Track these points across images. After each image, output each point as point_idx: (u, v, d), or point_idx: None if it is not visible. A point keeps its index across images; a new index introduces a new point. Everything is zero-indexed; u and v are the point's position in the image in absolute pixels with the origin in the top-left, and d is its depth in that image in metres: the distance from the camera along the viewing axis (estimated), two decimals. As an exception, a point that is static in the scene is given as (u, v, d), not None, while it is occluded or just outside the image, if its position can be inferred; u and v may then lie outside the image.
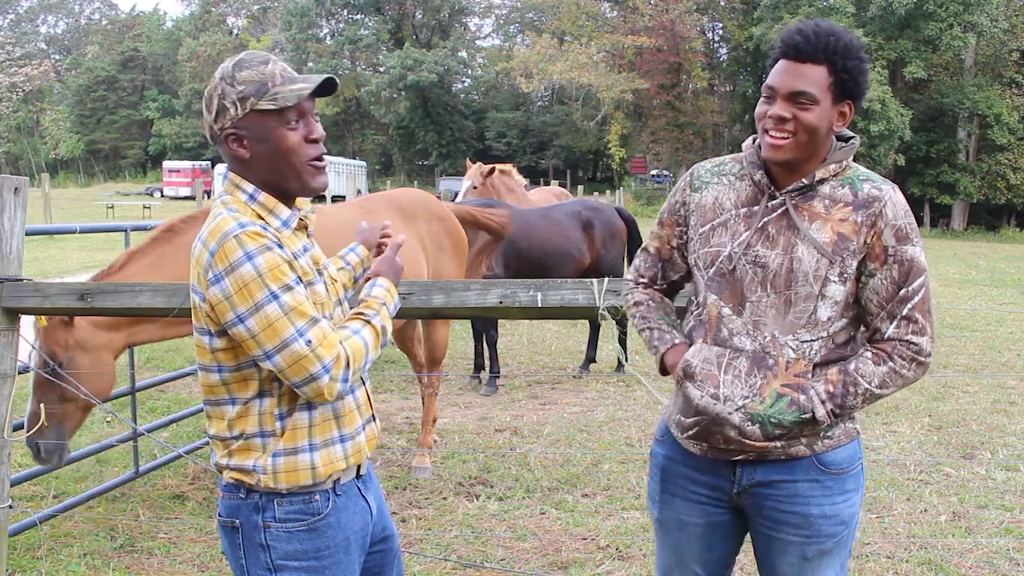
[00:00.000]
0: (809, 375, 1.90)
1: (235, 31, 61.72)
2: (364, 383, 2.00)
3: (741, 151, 2.07)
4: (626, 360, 7.28)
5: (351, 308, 2.00)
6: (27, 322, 3.31)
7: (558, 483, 4.70)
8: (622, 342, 7.46)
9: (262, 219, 1.81)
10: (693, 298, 2.09)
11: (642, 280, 2.21)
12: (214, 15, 61.41)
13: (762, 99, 1.94)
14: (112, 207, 31.64)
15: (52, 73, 64.56)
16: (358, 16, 54.24)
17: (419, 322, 5.25)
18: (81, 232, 4.56)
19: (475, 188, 8.68)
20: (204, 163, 46.04)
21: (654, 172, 50.14)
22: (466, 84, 56.55)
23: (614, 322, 2.72)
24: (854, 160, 2.02)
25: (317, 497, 1.85)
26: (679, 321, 2.15)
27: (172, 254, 3.74)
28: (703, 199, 2.05)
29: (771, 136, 1.90)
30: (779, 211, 1.93)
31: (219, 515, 1.90)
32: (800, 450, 1.96)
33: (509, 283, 2.81)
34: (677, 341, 2.07)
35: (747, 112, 39.45)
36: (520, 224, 6.82)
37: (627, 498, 4.47)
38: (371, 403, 2.02)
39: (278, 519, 1.82)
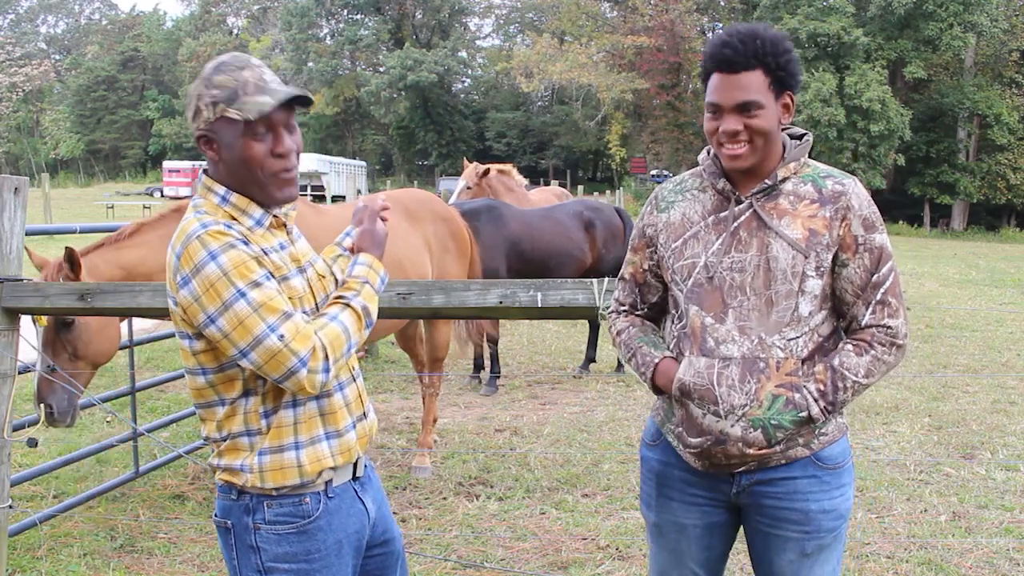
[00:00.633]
0: (800, 372, 1.92)
1: (235, 31, 61.75)
2: (355, 380, 1.97)
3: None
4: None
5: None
6: (26, 322, 3.31)
7: (558, 483, 4.70)
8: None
9: (235, 220, 1.80)
10: (672, 312, 2.08)
11: (623, 308, 2.22)
12: (214, 15, 61.44)
13: (708, 116, 1.97)
14: (112, 207, 31.67)
15: (52, 73, 64.58)
16: (358, 16, 54.24)
17: (421, 322, 5.25)
18: (81, 232, 4.57)
19: (469, 188, 8.67)
20: (204, 163, 46.02)
21: (654, 172, 50.13)
22: (466, 84, 56.57)
23: (614, 322, 2.71)
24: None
25: (307, 499, 1.84)
26: (663, 339, 2.13)
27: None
28: (671, 218, 2.07)
29: (728, 148, 1.94)
30: (747, 214, 1.97)
31: (215, 515, 1.91)
32: (799, 451, 1.97)
33: (509, 283, 2.80)
34: (658, 359, 2.05)
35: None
36: (523, 225, 6.83)
37: (627, 498, 4.47)
38: (363, 400, 1.99)
39: (268, 521, 1.82)
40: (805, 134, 2.05)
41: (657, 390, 2.07)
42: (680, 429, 2.03)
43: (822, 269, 1.92)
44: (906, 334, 1.96)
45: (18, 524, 3.73)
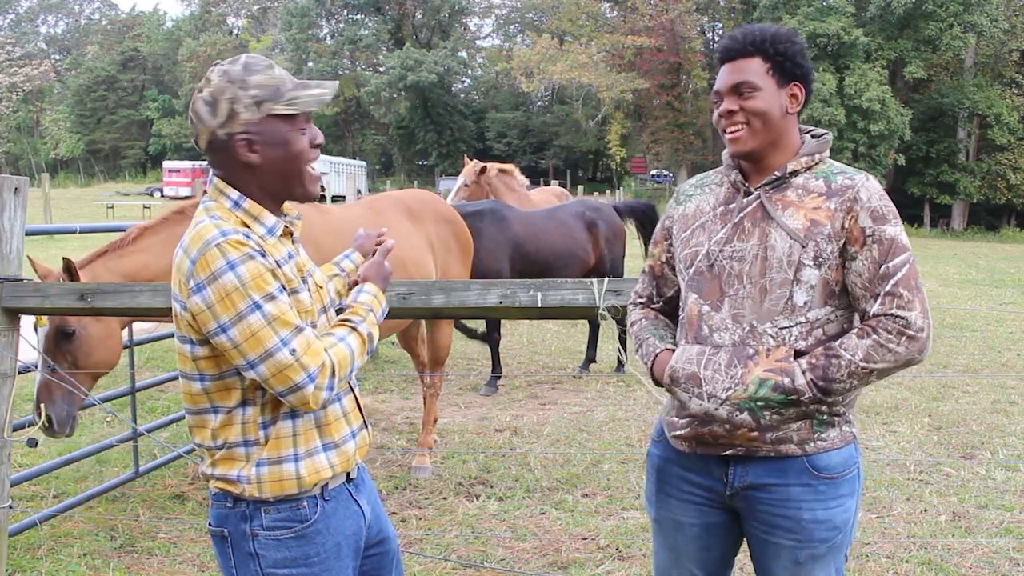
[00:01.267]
0: (791, 359, 1.89)
1: (235, 31, 61.74)
2: (352, 390, 1.98)
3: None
4: (626, 360, 7.28)
5: (337, 314, 1.98)
6: (26, 323, 3.31)
7: (558, 483, 4.70)
8: (622, 342, 7.44)
9: (247, 226, 1.79)
10: (681, 303, 2.11)
11: (640, 300, 2.26)
12: (214, 15, 61.44)
13: (714, 106, 2.04)
14: (112, 207, 31.67)
15: (52, 73, 64.57)
16: (358, 16, 54.26)
17: (423, 322, 5.25)
18: (81, 232, 4.57)
19: (467, 186, 8.66)
20: (204, 163, 45.96)
21: (654, 172, 50.16)
22: (466, 84, 56.57)
23: (614, 322, 2.71)
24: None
25: (305, 504, 1.83)
26: (673, 333, 2.16)
27: (180, 236, 3.76)
28: (686, 210, 2.12)
29: (728, 132, 2.00)
30: (753, 205, 1.98)
31: (209, 524, 1.89)
32: (791, 448, 1.94)
33: (509, 283, 2.80)
34: (660, 350, 2.09)
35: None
36: (527, 227, 6.83)
37: (627, 498, 4.47)
38: (361, 411, 2.00)
39: (266, 527, 1.81)
40: (825, 133, 2.04)
41: (657, 381, 2.10)
42: (672, 416, 2.07)
43: (821, 259, 1.89)
44: (922, 328, 1.84)
45: (18, 524, 3.73)
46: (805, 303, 1.91)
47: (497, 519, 4.22)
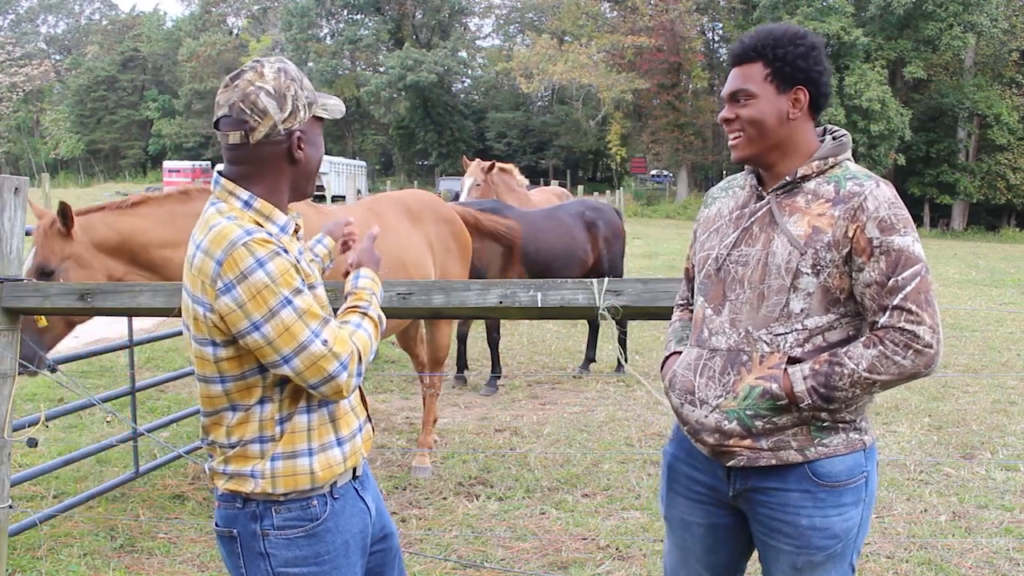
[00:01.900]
0: (783, 367, 1.88)
1: (235, 31, 61.67)
2: (359, 385, 1.99)
3: None
4: (626, 360, 7.28)
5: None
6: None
7: (558, 483, 4.70)
8: (622, 342, 7.46)
9: (260, 225, 1.81)
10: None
11: (680, 303, 2.29)
12: (214, 15, 61.38)
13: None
14: (112, 207, 31.55)
15: (52, 73, 64.52)
16: (358, 16, 54.22)
17: (422, 322, 5.25)
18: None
19: (478, 185, 8.66)
20: (204, 163, 46.01)
21: (654, 172, 50.13)
22: (466, 84, 56.54)
23: (614, 322, 2.72)
24: (855, 160, 2.02)
25: (315, 502, 1.84)
26: None
27: (182, 215, 3.85)
28: (709, 213, 2.14)
29: (729, 139, 2.01)
30: (764, 209, 1.97)
31: (216, 524, 1.89)
32: (791, 455, 1.91)
33: (509, 283, 2.80)
34: (670, 352, 2.13)
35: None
36: (527, 227, 6.83)
37: (627, 498, 4.47)
38: (366, 405, 2.02)
39: (276, 527, 1.82)
40: (844, 135, 2.00)
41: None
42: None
43: (819, 267, 1.86)
44: (930, 343, 1.80)
45: (18, 524, 3.72)
46: (802, 310, 1.88)
47: (497, 519, 4.22)
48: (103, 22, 69.77)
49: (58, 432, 5.47)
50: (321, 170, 2.03)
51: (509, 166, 9.41)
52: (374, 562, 2.02)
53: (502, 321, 7.50)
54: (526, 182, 10.06)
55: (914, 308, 1.81)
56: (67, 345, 7.86)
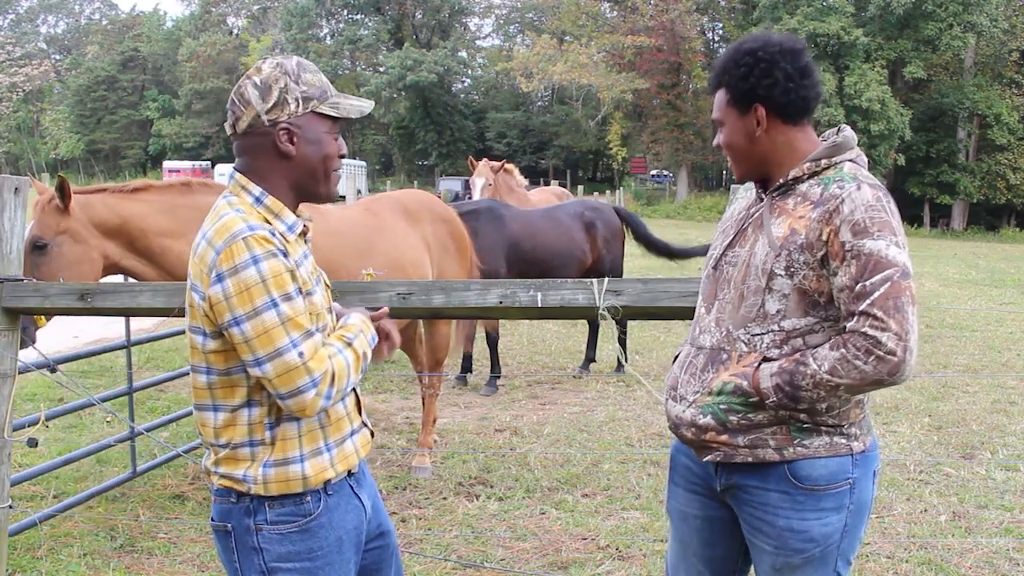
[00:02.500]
0: (757, 365, 1.90)
1: (235, 31, 61.67)
2: (355, 389, 1.99)
3: None
4: (626, 360, 7.28)
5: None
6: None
7: (558, 483, 4.70)
8: (622, 342, 7.46)
9: (268, 223, 1.81)
10: None
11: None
12: (214, 15, 61.37)
13: None
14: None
15: (52, 73, 64.52)
16: (358, 16, 54.22)
17: (421, 322, 5.25)
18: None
19: (490, 185, 8.67)
20: (204, 163, 46.05)
21: (654, 172, 50.12)
22: (466, 84, 56.53)
23: (614, 322, 2.71)
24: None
25: (308, 498, 1.85)
26: None
27: (183, 206, 3.88)
28: (727, 213, 2.22)
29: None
30: (760, 211, 2.00)
31: (212, 519, 1.90)
32: (768, 454, 1.91)
33: (509, 283, 2.80)
34: (678, 352, 2.18)
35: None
36: (525, 226, 6.83)
37: (627, 498, 4.47)
38: (361, 411, 2.01)
39: (270, 522, 1.82)
40: (837, 138, 1.98)
41: None
42: None
43: (792, 269, 1.85)
44: (894, 350, 1.75)
45: (18, 524, 3.72)
46: (778, 311, 1.89)
47: (497, 519, 4.22)
48: (103, 22, 69.71)
49: (58, 432, 5.47)
50: None
51: (510, 166, 9.46)
52: (370, 559, 2.03)
53: (501, 321, 7.50)
54: (525, 182, 10.09)
55: (879, 314, 1.76)
56: (67, 345, 7.87)
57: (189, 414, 5.21)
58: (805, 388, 1.83)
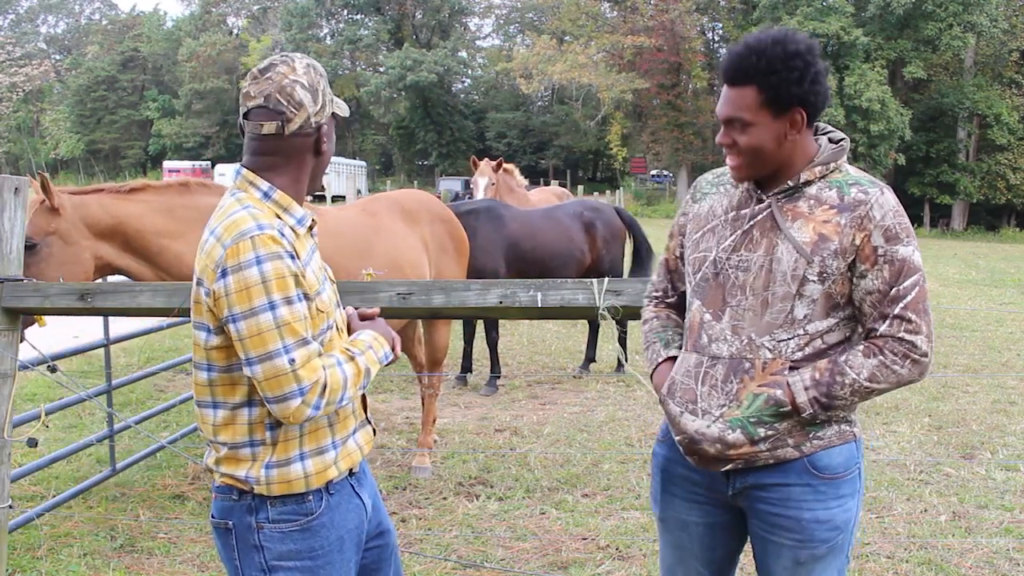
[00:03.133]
0: (786, 372, 1.89)
1: (235, 31, 61.64)
2: None
3: None
4: (626, 360, 7.28)
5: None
6: None
7: (558, 483, 4.70)
8: (622, 342, 7.45)
9: (279, 218, 1.82)
10: (687, 306, 2.10)
11: (655, 295, 2.25)
12: (214, 15, 61.34)
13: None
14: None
15: (52, 73, 64.49)
16: (358, 16, 54.22)
17: (419, 323, 5.25)
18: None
19: (493, 184, 8.68)
20: (204, 163, 46.05)
21: (654, 172, 50.13)
22: (466, 84, 56.53)
23: (614, 322, 2.71)
24: (855, 160, 2.02)
25: (310, 497, 1.85)
26: (682, 335, 2.14)
27: (180, 206, 3.88)
28: (700, 209, 2.09)
29: (728, 161, 1.98)
30: (764, 214, 1.95)
31: (212, 516, 1.90)
32: (788, 452, 1.92)
33: (509, 283, 2.80)
34: (662, 359, 2.10)
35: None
36: (524, 226, 6.83)
37: (627, 498, 4.47)
38: (365, 408, 2.02)
39: (271, 520, 1.83)
40: (843, 138, 1.98)
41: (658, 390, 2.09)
42: (672, 429, 2.06)
43: (825, 275, 1.86)
44: (926, 353, 1.86)
45: (15, 520, 3.72)
46: (805, 316, 1.89)
47: (497, 519, 4.22)
48: (103, 22, 69.69)
49: (58, 432, 5.47)
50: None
51: (510, 166, 9.46)
52: (370, 558, 2.03)
53: (502, 321, 7.50)
54: (525, 182, 10.09)
55: (913, 318, 1.85)
56: (66, 345, 7.86)
57: (169, 408, 5.20)
58: (842, 397, 1.87)
